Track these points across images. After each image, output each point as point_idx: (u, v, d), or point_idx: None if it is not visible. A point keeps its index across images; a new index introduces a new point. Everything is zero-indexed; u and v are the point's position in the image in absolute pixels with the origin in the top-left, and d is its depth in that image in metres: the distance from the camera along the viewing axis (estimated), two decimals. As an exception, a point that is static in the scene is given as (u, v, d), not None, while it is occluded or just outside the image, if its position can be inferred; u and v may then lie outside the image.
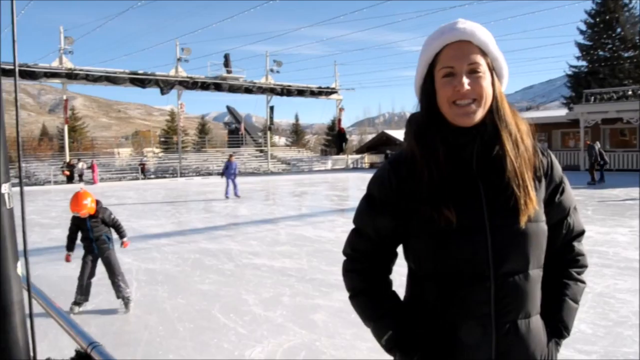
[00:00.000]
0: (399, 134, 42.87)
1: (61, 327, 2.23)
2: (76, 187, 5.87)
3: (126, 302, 5.74)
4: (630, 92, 29.08)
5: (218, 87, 38.90)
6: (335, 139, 48.10)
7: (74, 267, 6.12)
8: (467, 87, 1.31)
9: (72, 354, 2.14)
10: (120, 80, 34.81)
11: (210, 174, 35.67)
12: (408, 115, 1.52)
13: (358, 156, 45.80)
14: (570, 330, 1.45)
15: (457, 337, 1.33)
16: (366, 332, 1.52)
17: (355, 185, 24.34)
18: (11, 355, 1.66)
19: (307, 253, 8.71)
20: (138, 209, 16.44)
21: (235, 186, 19.06)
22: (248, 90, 40.58)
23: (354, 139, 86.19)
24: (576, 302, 1.46)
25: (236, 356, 4.44)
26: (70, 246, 5.88)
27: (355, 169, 40.68)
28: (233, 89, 39.76)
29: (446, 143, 1.36)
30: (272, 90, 41.49)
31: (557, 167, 1.45)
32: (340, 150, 45.91)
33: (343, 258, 1.55)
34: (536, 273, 1.36)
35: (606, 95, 29.64)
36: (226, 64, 40.53)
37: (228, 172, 19.14)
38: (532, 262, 1.34)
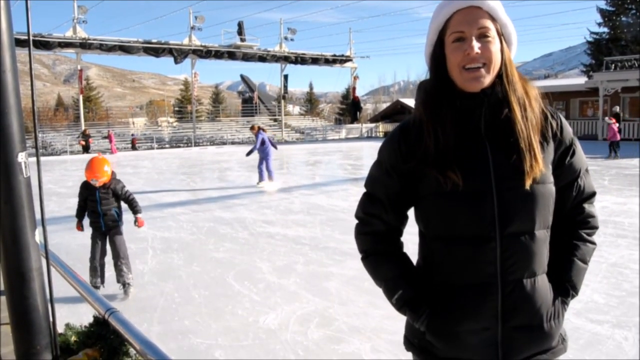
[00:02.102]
0: (414, 103, 42.22)
1: (79, 294, 2.29)
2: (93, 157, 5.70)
3: (126, 287, 5.36)
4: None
5: (232, 56, 38.65)
6: (350, 108, 47.75)
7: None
8: (477, 50, 1.33)
9: (90, 319, 2.21)
10: (134, 49, 34.70)
11: (224, 144, 35.74)
12: None
13: (372, 125, 45.42)
14: (578, 290, 1.47)
15: (464, 295, 1.38)
16: (379, 299, 1.55)
17: (369, 154, 24.23)
18: (31, 321, 1.71)
19: (321, 222, 8.77)
20: (153, 178, 16.58)
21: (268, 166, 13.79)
22: (262, 58, 40.25)
23: (368, 108, 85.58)
24: (585, 262, 1.48)
25: (250, 322, 4.53)
26: (81, 214, 5.51)
27: (369, 137, 40.41)
28: (247, 57, 39.47)
29: (454, 108, 1.39)
30: (286, 59, 41.10)
31: (568, 129, 1.47)
32: (354, 119, 45.61)
33: (355, 222, 1.59)
34: (542, 234, 1.39)
35: (627, 63, 28.81)
36: (240, 32, 40.07)
37: (263, 148, 13.57)
38: (538, 223, 1.37)
